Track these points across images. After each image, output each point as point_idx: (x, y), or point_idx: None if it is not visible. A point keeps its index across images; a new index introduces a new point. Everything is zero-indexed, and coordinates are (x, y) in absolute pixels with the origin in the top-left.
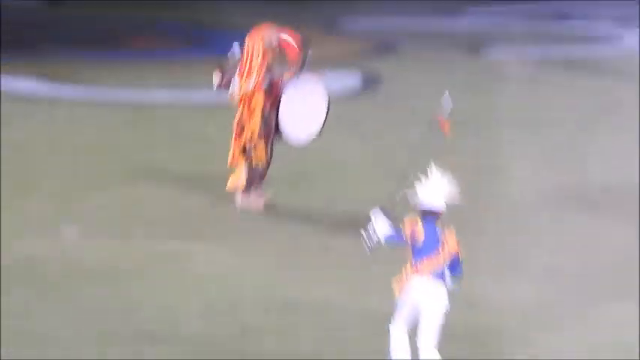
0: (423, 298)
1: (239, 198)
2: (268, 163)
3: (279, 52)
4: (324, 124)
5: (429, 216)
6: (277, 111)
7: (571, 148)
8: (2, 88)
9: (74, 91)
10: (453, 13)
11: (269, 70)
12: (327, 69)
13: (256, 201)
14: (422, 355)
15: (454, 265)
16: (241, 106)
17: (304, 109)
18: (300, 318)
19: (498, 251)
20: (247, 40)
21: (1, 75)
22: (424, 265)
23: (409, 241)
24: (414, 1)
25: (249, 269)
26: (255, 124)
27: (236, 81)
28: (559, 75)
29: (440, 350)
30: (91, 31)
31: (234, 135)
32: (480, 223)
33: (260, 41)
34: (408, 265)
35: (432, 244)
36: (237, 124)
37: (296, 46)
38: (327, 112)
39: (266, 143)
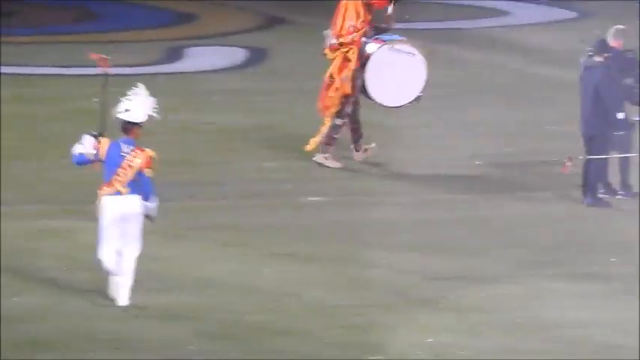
0: (117, 215)
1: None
2: (354, 121)
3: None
4: (421, 94)
5: (128, 134)
6: (364, 72)
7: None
8: None
9: None
10: None
11: (368, 28)
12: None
13: (330, 158)
14: (124, 270)
15: (142, 184)
16: (335, 60)
17: (397, 75)
18: (183, 296)
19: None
20: None
21: None
22: (110, 182)
23: (103, 160)
24: None
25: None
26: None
27: (330, 35)
28: (446, 48)
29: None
30: None
31: (323, 85)
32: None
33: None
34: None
35: (114, 162)
36: (329, 76)
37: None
38: (425, 82)
39: (344, 98)
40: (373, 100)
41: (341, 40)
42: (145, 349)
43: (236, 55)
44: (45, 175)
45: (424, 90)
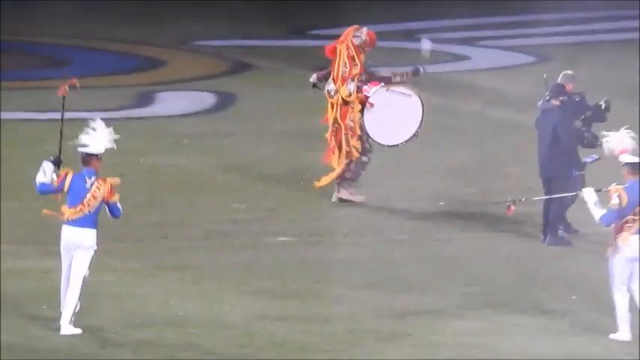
0: (70, 244)
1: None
2: (362, 161)
3: (369, 44)
4: (416, 132)
5: (88, 165)
6: (362, 114)
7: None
8: None
9: None
10: (303, 35)
11: (367, 74)
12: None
13: (350, 195)
14: (67, 296)
15: (111, 210)
16: (337, 105)
17: (394, 115)
18: (157, 333)
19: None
20: (337, 45)
21: None
22: (69, 212)
23: (65, 190)
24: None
25: (109, 285)
26: (355, 122)
27: (331, 83)
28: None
29: None
30: None
31: (330, 131)
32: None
33: (347, 46)
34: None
35: (78, 194)
36: (333, 122)
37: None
38: (421, 121)
39: (360, 141)
40: (373, 140)
41: (336, 87)
42: None
43: (205, 99)
44: (18, 216)
45: (420, 128)
